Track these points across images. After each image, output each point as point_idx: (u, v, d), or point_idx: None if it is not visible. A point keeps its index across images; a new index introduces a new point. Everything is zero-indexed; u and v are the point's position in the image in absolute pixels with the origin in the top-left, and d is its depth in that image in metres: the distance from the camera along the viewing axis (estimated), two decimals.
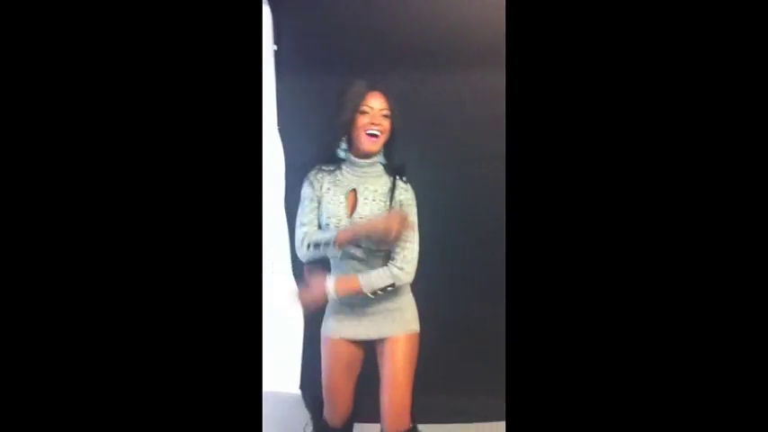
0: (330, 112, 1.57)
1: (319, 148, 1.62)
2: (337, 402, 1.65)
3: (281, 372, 2.40)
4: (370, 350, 1.65)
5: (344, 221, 1.55)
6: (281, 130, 2.22)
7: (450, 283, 2.13)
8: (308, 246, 1.54)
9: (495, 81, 1.59)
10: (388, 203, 1.56)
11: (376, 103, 1.54)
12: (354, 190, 1.58)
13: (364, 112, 1.53)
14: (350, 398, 1.66)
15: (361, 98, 1.53)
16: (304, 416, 1.90)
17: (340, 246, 1.51)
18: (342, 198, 1.57)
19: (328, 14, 1.96)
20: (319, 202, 1.59)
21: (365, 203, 1.57)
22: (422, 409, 1.63)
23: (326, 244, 1.52)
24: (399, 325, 1.62)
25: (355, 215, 1.56)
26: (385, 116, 1.55)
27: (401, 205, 1.58)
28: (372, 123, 1.53)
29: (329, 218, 1.56)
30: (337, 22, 2.02)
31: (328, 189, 1.58)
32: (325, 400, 1.66)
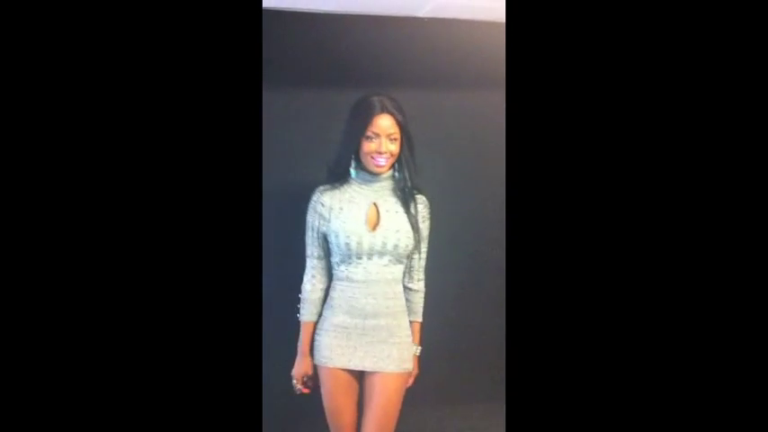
0: (343, 129, 1.57)
1: (332, 165, 1.61)
2: (344, 425, 1.62)
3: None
4: (363, 378, 1.64)
5: (366, 237, 1.55)
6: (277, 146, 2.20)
7: (449, 293, 2.14)
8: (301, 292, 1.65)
9: (496, 101, 1.61)
10: (409, 215, 1.60)
11: (384, 128, 1.52)
12: (375, 204, 1.59)
13: (370, 138, 1.52)
14: (354, 419, 1.63)
15: (367, 124, 1.51)
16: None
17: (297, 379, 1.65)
18: (361, 214, 1.57)
19: (327, 31, 1.99)
20: (326, 227, 1.58)
21: (388, 216, 1.58)
22: (421, 420, 1.64)
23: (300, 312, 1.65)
24: (394, 361, 1.60)
25: (380, 228, 1.57)
26: (393, 140, 1.53)
27: (419, 215, 1.62)
28: (378, 152, 1.52)
29: (348, 236, 1.54)
30: (335, 39, 2.03)
31: (341, 209, 1.57)
32: (330, 425, 1.63)
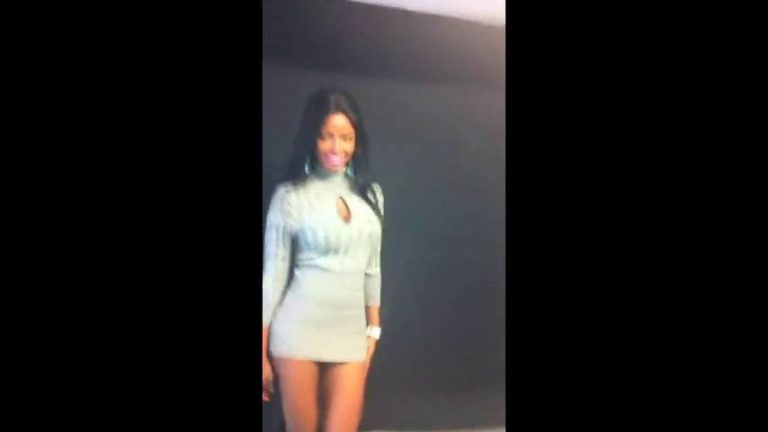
0: (298, 126, 1.56)
1: (288, 163, 1.60)
2: (304, 425, 1.56)
3: None
4: (325, 370, 1.59)
5: (343, 230, 1.56)
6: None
7: (448, 287, 2.16)
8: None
9: (493, 99, 1.61)
10: (371, 205, 1.63)
11: (338, 128, 1.51)
12: (341, 197, 1.60)
13: (324, 138, 1.52)
14: (315, 418, 1.58)
15: (321, 123, 1.51)
16: None
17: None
18: (332, 207, 1.57)
19: (320, 22, 1.95)
20: (298, 225, 1.55)
21: (356, 208, 1.60)
22: (418, 414, 1.66)
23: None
24: (360, 351, 1.63)
25: (353, 219, 1.58)
26: (347, 139, 1.53)
27: (379, 204, 1.67)
28: (332, 152, 1.52)
29: (326, 229, 1.53)
30: (327, 30, 2.00)
31: (310, 204, 1.56)
32: (288, 422, 1.57)
